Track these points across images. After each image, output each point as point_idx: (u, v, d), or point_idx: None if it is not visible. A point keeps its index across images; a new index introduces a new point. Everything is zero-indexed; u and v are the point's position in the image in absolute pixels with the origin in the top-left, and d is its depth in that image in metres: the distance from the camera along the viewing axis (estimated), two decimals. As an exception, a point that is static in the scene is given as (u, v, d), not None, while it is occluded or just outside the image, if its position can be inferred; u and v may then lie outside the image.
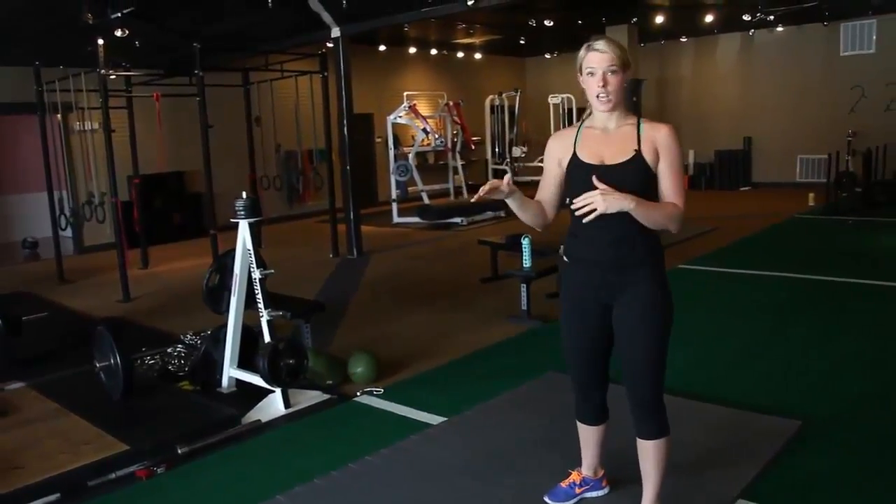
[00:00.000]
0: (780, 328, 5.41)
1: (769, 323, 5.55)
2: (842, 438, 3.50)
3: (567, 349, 2.75)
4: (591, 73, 2.44)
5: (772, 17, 12.83)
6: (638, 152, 2.46)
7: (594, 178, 2.40)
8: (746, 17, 12.64)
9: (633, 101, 13.18)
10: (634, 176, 2.44)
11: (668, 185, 2.45)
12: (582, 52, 2.48)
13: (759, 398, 4.02)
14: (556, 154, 2.63)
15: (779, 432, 3.50)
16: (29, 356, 5.35)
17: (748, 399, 4.00)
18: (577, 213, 2.40)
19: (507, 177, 2.48)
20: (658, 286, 2.55)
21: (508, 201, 2.54)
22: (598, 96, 2.45)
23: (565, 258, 2.68)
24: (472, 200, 2.67)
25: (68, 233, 9.72)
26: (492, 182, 2.44)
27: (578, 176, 2.52)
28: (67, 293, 8.01)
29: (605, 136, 2.53)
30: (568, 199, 2.52)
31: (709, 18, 12.71)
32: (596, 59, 2.43)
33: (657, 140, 2.46)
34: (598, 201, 2.33)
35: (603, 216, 2.36)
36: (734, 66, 15.16)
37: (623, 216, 2.37)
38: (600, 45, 2.43)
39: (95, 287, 8.24)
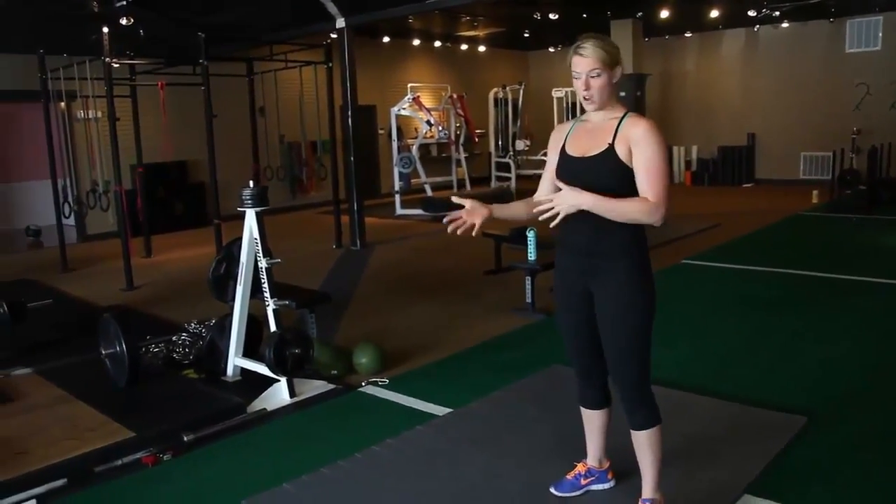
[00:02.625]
0: (784, 324, 5.41)
1: (772, 318, 5.55)
2: (847, 433, 3.50)
3: (563, 335, 2.80)
4: (577, 77, 2.52)
5: (777, 13, 12.81)
6: (611, 146, 2.50)
7: (556, 180, 2.51)
8: (752, 13, 12.61)
9: (636, 96, 13.19)
10: (605, 168, 2.49)
11: (641, 180, 2.46)
12: (570, 53, 2.55)
13: (764, 393, 4.03)
14: (554, 146, 2.73)
15: (784, 427, 3.51)
16: (34, 343, 5.36)
17: (752, 393, 4.01)
18: (540, 219, 2.53)
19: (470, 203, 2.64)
20: (632, 279, 2.55)
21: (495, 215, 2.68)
22: (584, 98, 2.54)
23: (558, 245, 2.74)
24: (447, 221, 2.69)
25: (71, 221, 9.71)
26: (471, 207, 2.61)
27: (562, 166, 2.62)
28: (71, 281, 8.01)
29: (593, 129, 2.60)
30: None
31: (714, 14, 12.69)
32: (579, 63, 2.50)
33: (631, 136, 2.47)
34: (557, 205, 2.45)
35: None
36: (738, 61, 15.14)
37: None
38: (583, 48, 2.49)
39: (99, 275, 8.24)
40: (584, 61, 2.47)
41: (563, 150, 2.64)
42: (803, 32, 14.12)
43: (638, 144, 2.45)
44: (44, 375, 4.76)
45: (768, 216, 10.49)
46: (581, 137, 2.61)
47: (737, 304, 6.00)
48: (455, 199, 2.68)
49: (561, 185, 2.48)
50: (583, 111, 2.68)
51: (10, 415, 4.15)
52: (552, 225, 2.50)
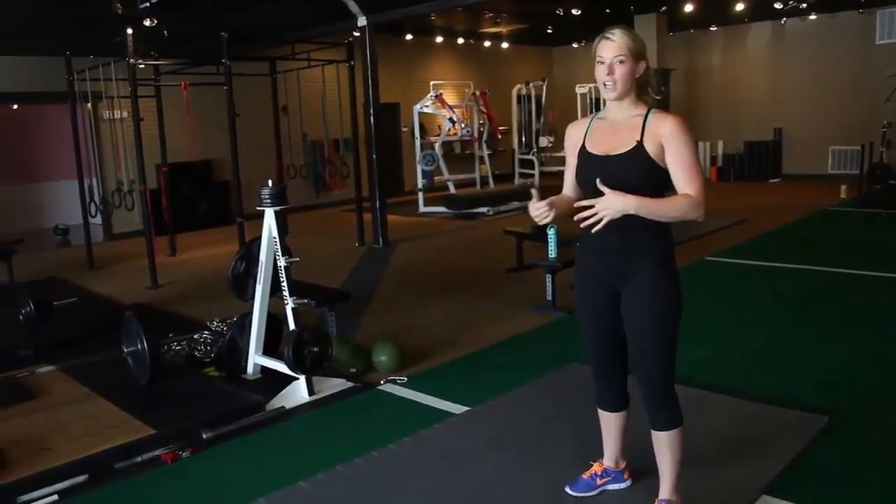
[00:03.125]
0: (807, 321, 5.34)
1: (795, 316, 5.48)
2: (869, 433, 3.44)
3: (583, 337, 2.77)
4: (601, 62, 2.48)
5: (804, 5, 12.61)
6: (639, 143, 2.46)
7: (598, 182, 2.42)
8: (778, 6, 12.41)
9: (660, 91, 13.05)
10: (634, 166, 2.44)
11: (679, 176, 2.43)
12: (596, 41, 2.52)
13: (785, 392, 3.97)
14: (571, 143, 2.68)
15: (805, 427, 3.45)
16: (59, 340, 5.44)
17: (774, 392, 3.96)
18: (581, 226, 2.44)
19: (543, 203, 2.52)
20: (664, 275, 2.53)
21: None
22: (604, 84, 2.49)
23: (577, 244, 2.70)
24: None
25: (98, 220, 9.85)
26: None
27: (584, 166, 2.58)
28: (97, 279, 8.13)
29: (614, 126, 2.56)
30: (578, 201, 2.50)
31: (739, 7, 12.50)
32: (605, 49, 2.47)
33: (662, 133, 2.44)
34: (601, 211, 2.37)
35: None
36: (765, 55, 14.93)
37: None
38: (612, 33, 2.46)
39: (124, 273, 8.35)
40: (611, 45, 2.44)
41: (583, 148, 2.60)
42: (832, 24, 13.88)
43: (670, 141, 2.42)
44: (67, 372, 4.82)
45: (795, 212, 10.34)
46: (602, 135, 2.57)
47: (760, 302, 5.93)
48: (534, 191, 2.56)
49: (604, 188, 2.39)
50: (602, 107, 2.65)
51: (34, 411, 4.22)
52: (595, 230, 2.43)
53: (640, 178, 2.44)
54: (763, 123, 14.86)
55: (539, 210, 2.51)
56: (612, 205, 2.37)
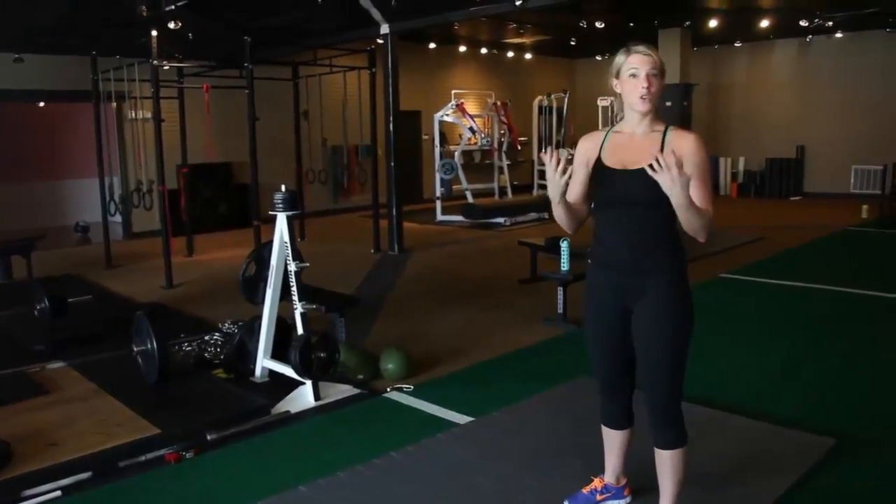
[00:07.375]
0: (821, 343, 5.28)
1: (810, 337, 5.42)
2: (877, 458, 3.39)
3: (591, 353, 2.75)
4: (634, 75, 2.47)
5: (830, 24, 12.51)
6: None
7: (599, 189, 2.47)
8: (804, 23, 12.33)
9: (683, 106, 13.01)
10: (652, 181, 2.36)
11: (700, 194, 2.40)
12: (620, 56, 2.52)
13: (794, 413, 3.93)
14: (585, 155, 2.65)
15: (811, 449, 3.41)
16: (72, 337, 5.48)
17: (783, 413, 3.91)
18: (650, 166, 2.27)
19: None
20: (677, 292, 2.52)
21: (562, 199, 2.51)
22: (641, 97, 2.47)
23: (588, 261, 2.68)
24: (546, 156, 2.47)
25: (118, 218, 9.94)
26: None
27: (600, 179, 2.56)
28: (113, 277, 8.20)
29: (631, 141, 2.55)
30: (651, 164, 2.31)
31: (764, 24, 12.43)
32: (639, 61, 2.47)
33: (684, 150, 2.41)
34: (669, 179, 2.24)
35: (623, 222, 2.50)
36: (790, 72, 14.82)
37: (646, 222, 2.46)
38: (644, 47, 2.48)
39: (140, 272, 8.41)
40: (648, 59, 2.46)
41: (598, 161, 2.58)
42: (858, 43, 13.75)
43: (693, 159, 2.41)
44: (78, 369, 4.87)
45: (814, 231, 10.24)
46: (620, 149, 2.55)
47: (777, 322, 5.87)
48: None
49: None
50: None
51: (43, 407, 4.26)
52: (665, 180, 2.25)
53: (659, 193, 2.37)
54: (785, 140, 14.74)
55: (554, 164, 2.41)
56: (682, 184, 2.25)
